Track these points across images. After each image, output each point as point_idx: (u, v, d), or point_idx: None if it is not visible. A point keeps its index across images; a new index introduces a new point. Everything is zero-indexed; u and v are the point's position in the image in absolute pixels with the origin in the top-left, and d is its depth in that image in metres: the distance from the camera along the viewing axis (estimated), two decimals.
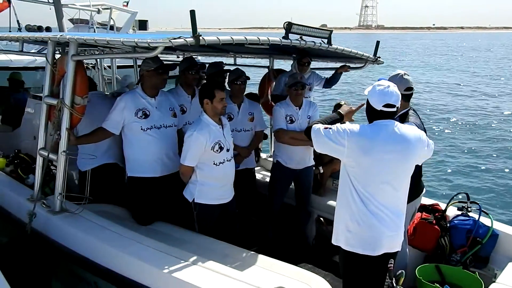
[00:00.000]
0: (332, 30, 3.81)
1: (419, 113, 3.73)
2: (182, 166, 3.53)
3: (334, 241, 2.90)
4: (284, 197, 4.72)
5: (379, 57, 4.54)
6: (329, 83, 5.64)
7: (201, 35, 2.81)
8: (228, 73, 4.66)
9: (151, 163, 3.80)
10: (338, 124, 2.78)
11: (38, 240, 3.48)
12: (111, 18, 9.70)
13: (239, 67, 4.69)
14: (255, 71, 6.69)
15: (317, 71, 5.79)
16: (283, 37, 3.47)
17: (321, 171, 4.81)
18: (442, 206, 4.12)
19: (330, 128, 2.75)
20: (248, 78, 4.48)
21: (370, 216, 2.72)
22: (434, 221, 3.85)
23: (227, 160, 3.60)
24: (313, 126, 2.85)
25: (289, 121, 4.41)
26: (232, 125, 4.39)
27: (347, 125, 2.75)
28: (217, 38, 2.94)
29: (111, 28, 10.20)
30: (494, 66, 36.39)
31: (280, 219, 4.88)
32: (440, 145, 11.50)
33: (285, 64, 6.27)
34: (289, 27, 3.44)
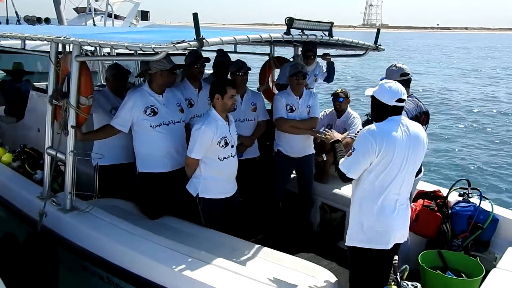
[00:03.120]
0: (333, 23, 3.81)
1: (422, 98, 3.84)
2: (189, 158, 3.60)
3: (347, 242, 3.01)
4: (286, 185, 4.81)
5: (380, 45, 4.55)
6: (328, 77, 5.67)
7: (204, 38, 2.83)
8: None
9: (162, 159, 3.87)
10: (355, 140, 2.88)
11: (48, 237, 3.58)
12: (109, 4, 9.61)
13: (238, 56, 4.71)
14: (255, 58, 6.67)
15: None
16: (285, 33, 3.48)
17: (325, 158, 4.88)
18: (444, 192, 4.21)
19: (353, 148, 2.85)
20: (250, 69, 4.52)
21: (385, 211, 2.86)
22: (436, 208, 3.94)
23: (231, 156, 3.69)
24: (340, 164, 2.93)
25: (289, 110, 4.49)
26: (235, 115, 4.44)
27: (365, 128, 2.87)
28: (220, 39, 2.96)
29: (115, 17, 10.14)
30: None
31: (284, 207, 4.99)
32: (443, 132, 11.63)
33: (284, 50, 6.25)
34: (290, 22, 3.45)
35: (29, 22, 5.72)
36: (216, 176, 3.66)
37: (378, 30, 4.62)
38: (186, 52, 3.78)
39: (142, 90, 3.83)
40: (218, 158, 3.62)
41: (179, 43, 2.76)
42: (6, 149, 5.25)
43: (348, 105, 5.12)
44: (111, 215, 3.61)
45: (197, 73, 4.37)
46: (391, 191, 2.86)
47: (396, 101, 2.84)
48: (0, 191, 4.49)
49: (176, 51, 2.80)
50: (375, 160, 2.81)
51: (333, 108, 5.17)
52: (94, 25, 9.29)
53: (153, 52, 2.74)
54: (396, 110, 2.87)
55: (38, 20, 5.66)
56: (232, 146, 3.70)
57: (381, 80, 4.00)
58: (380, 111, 2.91)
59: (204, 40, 2.83)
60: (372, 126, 2.87)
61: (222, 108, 3.59)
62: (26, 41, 4.05)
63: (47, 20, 5.77)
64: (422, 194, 4.15)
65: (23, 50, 4.13)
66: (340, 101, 5.03)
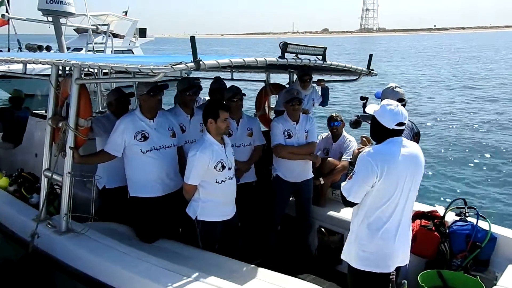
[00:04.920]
0: (326, 48, 3.93)
1: (418, 115, 3.89)
2: (186, 185, 3.62)
3: (349, 262, 2.99)
4: (284, 209, 4.81)
5: (372, 70, 4.67)
6: (323, 101, 5.79)
7: (201, 60, 2.92)
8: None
9: (153, 184, 3.86)
10: (356, 163, 2.87)
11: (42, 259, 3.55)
12: (106, 24, 9.93)
13: (235, 83, 4.79)
14: (251, 85, 6.80)
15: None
16: (279, 57, 3.59)
17: (322, 182, 4.90)
18: (440, 211, 4.22)
19: (353, 173, 2.83)
20: (244, 95, 4.57)
21: (388, 235, 2.84)
22: (433, 228, 3.94)
23: (229, 178, 3.70)
24: (341, 187, 2.93)
25: (287, 136, 4.53)
26: (231, 141, 4.47)
27: (365, 152, 2.84)
28: (217, 61, 3.05)
29: (114, 35, 10.47)
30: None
31: (282, 230, 4.97)
32: (438, 151, 11.68)
33: (280, 76, 6.39)
34: (285, 47, 3.57)
35: (31, 50, 5.89)
36: (214, 199, 3.67)
37: (371, 56, 4.75)
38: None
39: (133, 115, 3.86)
40: (216, 182, 3.62)
41: (176, 64, 2.84)
42: (3, 173, 5.26)
43: (343, 129, 5.21)
44: (107, 237, 3.59)
45: (188, 101, 4.41)
46: (394, 213, 2.85)
47: (396, 124, 2.82)
48: None
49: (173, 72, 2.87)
50: (377, 183, 2.77)
51: (329, 132, 5.25)
52: (93, 48, 9.53)
53: (152, 73, 2.81)
54: (396, 133, 2.85)
55: (39, 48, 5.82)
56: (230, 169, 3.71)
57: (375, 96, 4.08)
58: (380, 133, 2.89)
59: (201, 62, 2.91)
60: (372, 149, 2.85)
61: (216, 132, 3.62)
62: (28, 67, 4.15)
63: (48, 48, 5.95)
64: (419, 215, 4.15)
65: (24, 74, 4.21)
66: (336, 125, 5.13)
